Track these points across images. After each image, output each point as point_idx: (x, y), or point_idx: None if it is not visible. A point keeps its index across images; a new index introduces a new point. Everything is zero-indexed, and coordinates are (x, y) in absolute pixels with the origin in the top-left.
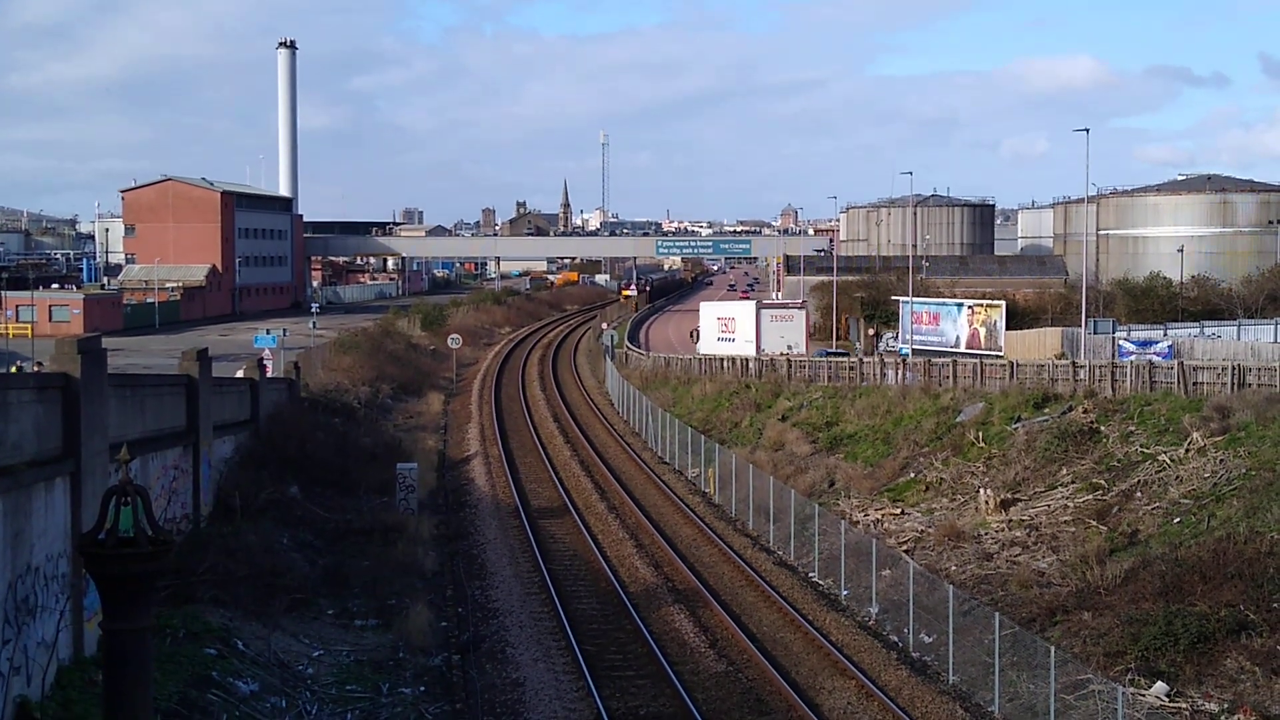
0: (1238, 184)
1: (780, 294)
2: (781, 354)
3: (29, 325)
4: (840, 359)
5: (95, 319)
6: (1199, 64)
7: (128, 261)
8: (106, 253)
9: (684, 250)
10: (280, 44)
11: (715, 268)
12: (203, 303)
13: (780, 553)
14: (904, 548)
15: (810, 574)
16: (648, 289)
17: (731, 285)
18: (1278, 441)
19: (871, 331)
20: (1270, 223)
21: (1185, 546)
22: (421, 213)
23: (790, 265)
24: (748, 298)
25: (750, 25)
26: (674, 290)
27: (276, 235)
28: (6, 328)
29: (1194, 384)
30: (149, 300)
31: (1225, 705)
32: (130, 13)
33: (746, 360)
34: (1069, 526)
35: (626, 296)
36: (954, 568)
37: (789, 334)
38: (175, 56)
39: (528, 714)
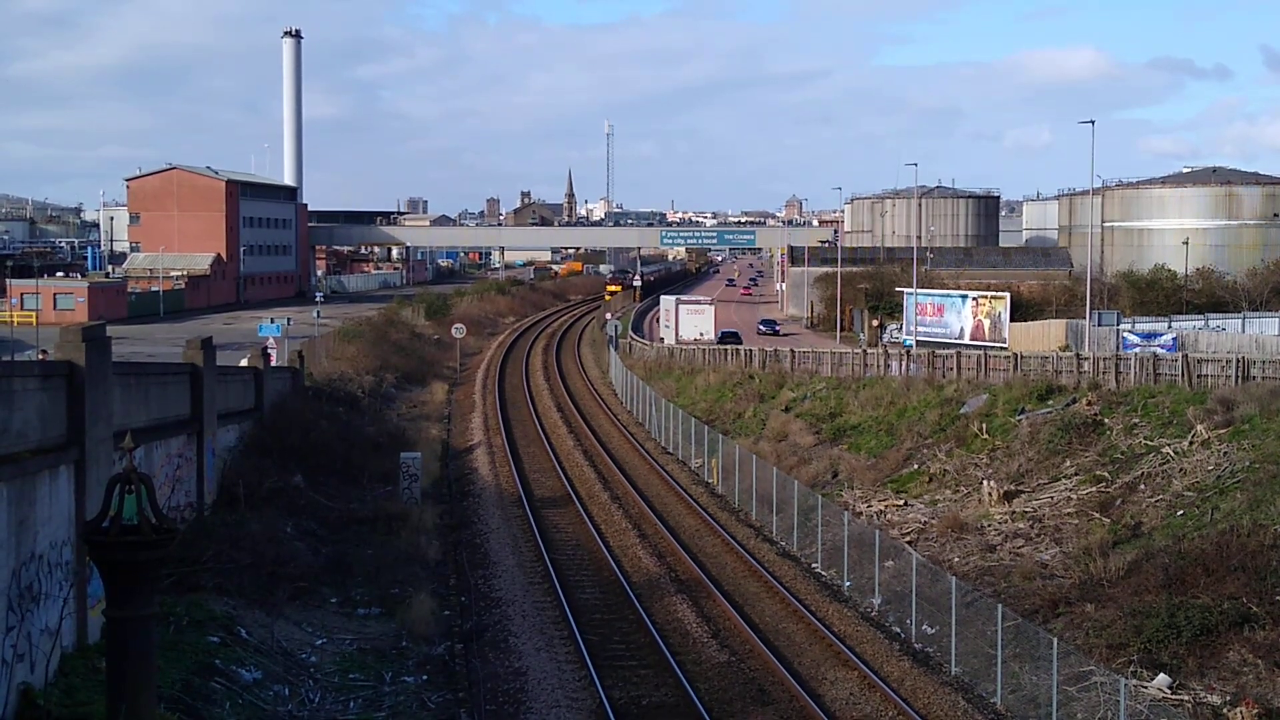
0: (1243, 176)
1: (785, 285)
2: (694, 339)
3: (34, 313)
4: (731, 343)
5: (100, 307)
6: (1201, 56)
7: (132, 250)
8: (111, 241)
9: (688, 241)
10: (285, 33)
11: (720, 258)
12: (207, 291)
13: (783, 543)
14: (907, 539)
15: (813, 565)
16: (649, 280)
17: (731, 281)
18: None
19: (876, 323)
20: (1275, 215)
21: (1188, 539)
22: (426, 202)
23: (794, 256)
24: (749, 294)
25: (753, 15)
26: (677, 281)
27: (281, 224)
28: (11, 316)
29: (1198, 376)
30: (153, 289)
31: (1228, 697)
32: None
33: (750, 351)
34: (1072, 518)
35: (612, 293)
36: (957, 559)
37: (701, 324)
38: (179, 44)
39: (530, 703)
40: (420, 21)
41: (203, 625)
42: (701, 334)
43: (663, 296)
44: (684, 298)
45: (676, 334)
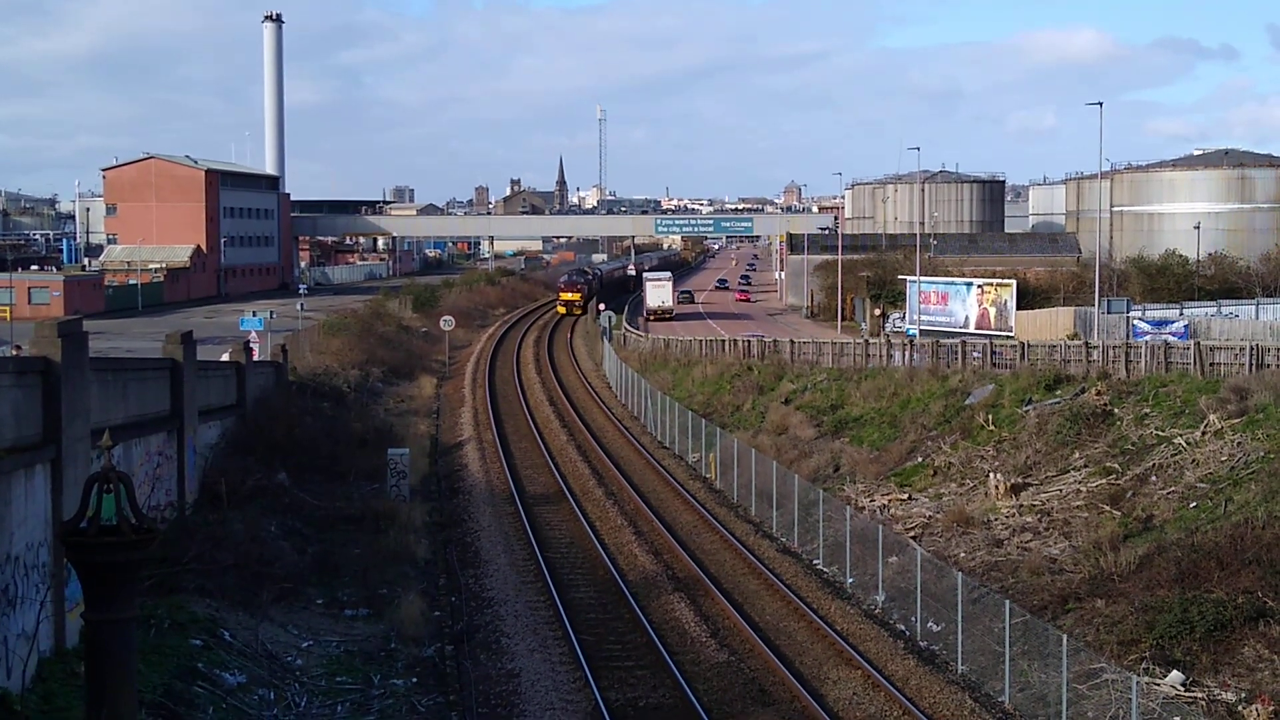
0: (1256, 159)
1: (784, 273)
2: (657, 306)
3: (8, 308)
4: (687, 302)
5: (76, 301)
6: (1206, 36)
7: (109, 242)
8: (87, 233)
9: (684, 229)
10: (266, 17)
11: (717, 247)
12: (187, 284)
13: (784, 539)
14: (911, 534)
15: (815, 561)
16: (636, 274)
17: (722, 281)
18: None
19: (878, 312)
20: None
21: (1201, 532)
22: (412, 191)
23: (793, 244)
24: (747, 299)
25: None
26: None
27: (263, 215)
28: None
29: (1211, 365)
30: (131, 282)
31: (1243, 695)
32: None
33: (749, 341)
34: (1081, 512)
35: (566, 301)
36: (963, 554)
37: (662, 294)
38: (156, 30)
39: (523, 706)
40: (405, 5)
41: (185, 628)
42: (663, 302)
43: (644, 274)
44: (648, 274)
45: (646, 305)
